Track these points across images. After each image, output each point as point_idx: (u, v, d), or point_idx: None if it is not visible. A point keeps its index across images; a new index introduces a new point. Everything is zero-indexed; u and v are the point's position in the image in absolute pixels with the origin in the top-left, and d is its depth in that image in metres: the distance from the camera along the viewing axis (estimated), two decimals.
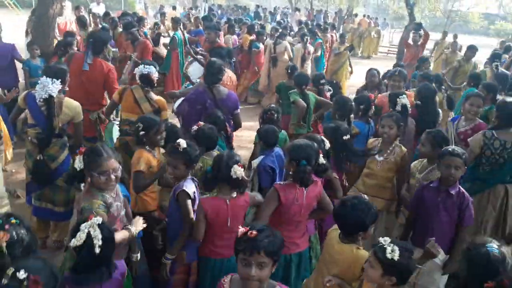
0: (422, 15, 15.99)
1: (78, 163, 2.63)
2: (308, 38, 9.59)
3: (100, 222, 2.14)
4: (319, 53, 10.22)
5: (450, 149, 3.22)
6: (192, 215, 2.87)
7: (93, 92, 4.90)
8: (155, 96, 4.40)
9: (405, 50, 11.22)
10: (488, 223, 3.89)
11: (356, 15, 23.26)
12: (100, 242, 2.07)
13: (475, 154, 3.81)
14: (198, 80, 5.91)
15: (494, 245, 2.23)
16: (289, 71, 6.46)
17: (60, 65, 4.28)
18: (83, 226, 2.10)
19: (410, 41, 10.75)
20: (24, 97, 3.89)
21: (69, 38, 6.36)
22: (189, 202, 2.87)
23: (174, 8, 19.51)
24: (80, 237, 2.06)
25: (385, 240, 2.15)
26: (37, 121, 3.80)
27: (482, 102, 4.41)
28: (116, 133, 4.72)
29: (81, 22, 8.53)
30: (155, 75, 4.36)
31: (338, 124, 3.89)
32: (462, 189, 3.22)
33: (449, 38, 14.15)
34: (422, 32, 10.57)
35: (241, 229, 1.96)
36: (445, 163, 3.15)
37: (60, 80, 3.75)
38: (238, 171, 2.76)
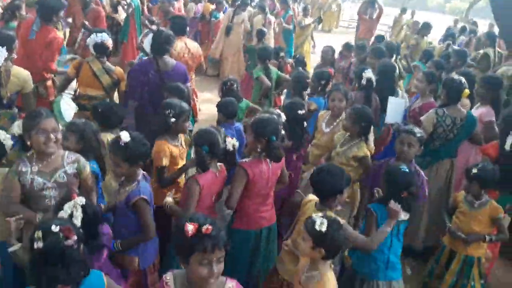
0: None
1: (17, 129, 2.54)
2: (267, 8, 9.45)
3: (83, 203, 2.15)
4: (291, 27, 9.97)
5: (406, 127, 3.32)
6: (153, 225, 2.64)
7: (37, 62, 4.49)
8: (113, 67, 4.25)
9: (360, 23, 11.40)
10: (432, 195, 3.99)
11: None
12: (79, 223, 2.09)
13: (428, 132, 3.91)
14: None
15: (405, 166, 2.81)
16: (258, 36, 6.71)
17: (6, 31, 4.02)
18: (66, 206, 2.12)
19: (365, 15, 10.87)
20: None
21: (16, 2, 5.95)
22: (148, 209, 2.61)
23: None
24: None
25: (317, 214, 2.28)
26: None
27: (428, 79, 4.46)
28: (65, 107, 4.38)
29: None
30: (109, 42, 4.19)
31: (294, 99, 3.95)
32: (417, 167, 3.33)
33: (407, 15, 14.46)
34: (376, 6, 10.75)
35: (190, 226, 1.71)
36: (399, 140, 3.28)
37: (6, 47, 3.54)
38: (234, 143, 2.90)
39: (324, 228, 2.18)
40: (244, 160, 2.98)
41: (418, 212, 3.85)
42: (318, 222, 2.20)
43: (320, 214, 2.29)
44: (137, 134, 2.67)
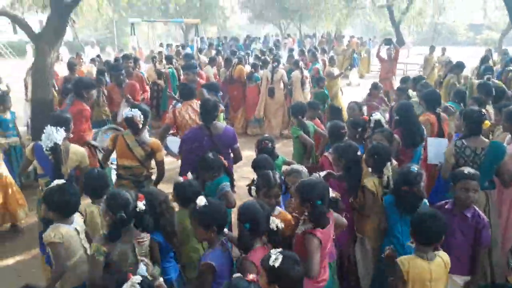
0: (410, 30, 16.33)
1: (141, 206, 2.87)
2: (303, 63, 9.76)
3: (139, 281, 2.28)
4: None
5: (465, 171, 3.23)
6: None
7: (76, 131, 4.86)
8: (148, 139, 4.41)
9: (381, 65, 11.71)
10: None
11: (343, 36, 23.78)
12: None
13: (450, 164, 3.90)
14: None
15: (415, 166, 3.33)
16: None
17: (63, 112, 4.42)
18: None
19: (384, 55, 11.22)
20: (31, 148, 4.02)
21: (68, 86, 6.52)
22: (209, 278, 2.64)
23: (161, 45, 19.95)
24: None
25: (275, 250, 2.30)
26: (46, 170, 3.92)
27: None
28: (113, 177, 4.77)
29: (70, 65, 8.69)
30: (139, 119, 4.30)
31: (348, 142, 3.98)
32: (477, 209, 3.24)
33: (438, 52, 14.48)
34: (392, 46, 11.10)
35: None
36: (461, 187, 3.18)
37: (64, 127, 3.89)
38: (278, 223, 2.81)
39: (277, 264, 2.19)
40: (310, 228, 2.84)
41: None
42: (273, 257, 2.22)
43: (278, 250, 2.30)
44: (212, 200, 2.82)
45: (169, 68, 9.27)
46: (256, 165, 3.96)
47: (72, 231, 2.99)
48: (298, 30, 24.83)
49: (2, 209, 5.27)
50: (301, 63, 9.71)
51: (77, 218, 3.10)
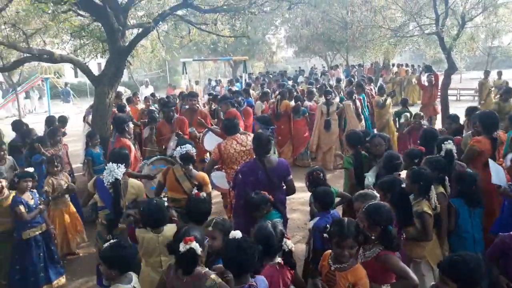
0: (461, 55, 15.86)
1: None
2: (356, 95, 9.78)
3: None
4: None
5: None
6: None
7: None
8: (195, 173, 4.66)
9: (422, 91, 12.29)
10: None
11: (393, 65, 23.48)
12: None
13: None
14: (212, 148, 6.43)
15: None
16: None
17: (123, 149, 4.68)
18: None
19: (425, 83, 11.70)
20: (93, 182, 4.27)
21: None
22: None
23: (197, 83, 20.60)
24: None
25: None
26: (106, 203, 4.13)
27: None
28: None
29: (120, 108, 9.13)
30: (193, 152, 4.64)
31: (391, 176, 3.95)
32: None
33: (493, 76, 13.95)
34: (432, 73, 11.74)
35: None
36: None
37: (124, 163, 4.13)
38: (291, 245, 2.91)
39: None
40: (377, 250, 2.92)
41: None
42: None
43: None
44: (244, 238, 2.80)
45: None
46: (318, 196, 3.97)
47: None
48: (344, 61, 24.85)
49: (63, 237, 5.62)
50: (354, 95, 9.69)
51: (134, 278, 3.09)
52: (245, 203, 4.06)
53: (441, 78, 12.19)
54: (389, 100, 10.31)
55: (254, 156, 4.57)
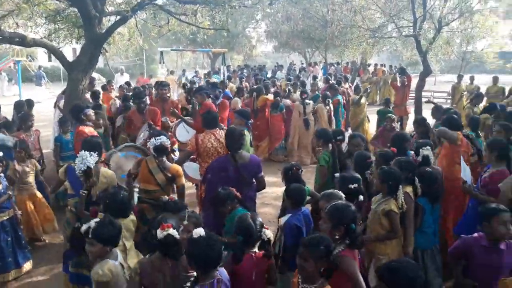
0: (437, 58, 16.20)
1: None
2: (330, 100, 9.87)
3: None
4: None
5: (497, 206, 3.24)
6: None
7: None
8: (169, 164, 4.60)
9: (394, 92, 12.86)
10: None
11: (369, 65, 23.74)
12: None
13: (508, 198, 3.85)
14: (185, 139, 6.71)
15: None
16: None
17: (96, 138, 4.62)
18: None
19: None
20: (64, 170, 4.21)
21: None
22: None
23: (172, 73, 20.43)
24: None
25: None
26: (76, 191, 4.07)
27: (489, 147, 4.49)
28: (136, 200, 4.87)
29: (93, 95, 8.97)
30: (167, 143, 4.58)
31: (346, 174, 4.13)
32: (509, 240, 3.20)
33: (466, 81, 14.29)
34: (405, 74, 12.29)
35: None
36: (500, 221, 3.14)
37: (96, 152, 4.10)
38: (270, 235, 2.99)
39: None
40: (342, 250, 2.93)
41: None
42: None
43: None
44: (209, 235, 2.78)
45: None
46: (290, 194, 3.97)
47: (118, 267, 3.06)
48: (323, 58, 24.99)
49: (27, 223, 5.51)
50: (328, 99, 9.86)
51: (119, 254, 3.19)
52: (212, 197, 4.06)
53: (416, 80, 12.45)
54: (363, 99, 10.47)
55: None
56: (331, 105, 9.84)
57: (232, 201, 3.93)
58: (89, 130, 5.97)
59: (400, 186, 3.84)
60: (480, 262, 3.24)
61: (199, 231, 2.76)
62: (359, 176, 4.13)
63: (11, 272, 4.82)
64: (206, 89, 8.46)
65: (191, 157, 5.56)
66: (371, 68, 22.73)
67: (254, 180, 4.57)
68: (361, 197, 3.79)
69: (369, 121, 10.81)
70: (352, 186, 3.83)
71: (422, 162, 4.49)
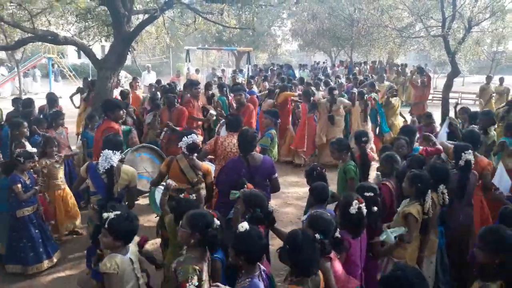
0: (466, 59, 15.84)
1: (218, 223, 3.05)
2: (366, 96, 9.75)
3: None
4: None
5: None
6: None
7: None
8: (199, 163, 4.64)
9: (413, 90, 12.73)
10: None
11: (395, 65, 23.41)
12: None
13: None
14: None
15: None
16: None
17: (117, 136, 4.69)
18: None
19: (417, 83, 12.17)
20: (86, 167, 4.31)
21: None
22: None
23: (197, 71, 20.54)
24: None
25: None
26: (98, 189, 4.18)
27: None
28: (159, 198, 4.79)
29: (122, 94, 9.13)
30: (199, 141, 4.64)
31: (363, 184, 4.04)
32: None
33: (495, 80, 13.93)
34: (424, 74, 12.29)
35: None
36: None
37: (119, 150, 4.19)
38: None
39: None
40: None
41: None
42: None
43: None
44: (254, 229, 2.84)
45: (220, 96, 9.45)
46: (313, 191, 4.00)
47: (126, 261, 3.06)
48: (349, 58, 24.78)
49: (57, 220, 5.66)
50: (365, 95, 9.71)
51: (132, 248, 3.19)
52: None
53: (443, 80, 12.24)
54: (395, 100, 10.21)
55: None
56: (368, 101, 9.65)
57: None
58: (118, 127, 5.99)
59: (429, 191, 3.77)
60: None
61: (245, 225, 2.83)
62: (375, 186, 4.04)
63: (43, 263, 5.00)
64: (243, 88, 8.41)
65: (210, 157, 5.46)
66: (406, 70, 22.35)
67: (267, 182, 4.53)
68: (374, 208, 3.63)
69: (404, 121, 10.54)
70: (367, 195, 3.75)
71: (464, 166, 4.36)
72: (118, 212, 3.09)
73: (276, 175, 4.59)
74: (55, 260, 5.13)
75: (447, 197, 3.97)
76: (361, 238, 3.49)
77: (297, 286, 2.67)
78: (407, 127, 5.98)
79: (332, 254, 3.06)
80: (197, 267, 2.79)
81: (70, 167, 6.50)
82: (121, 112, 5.69)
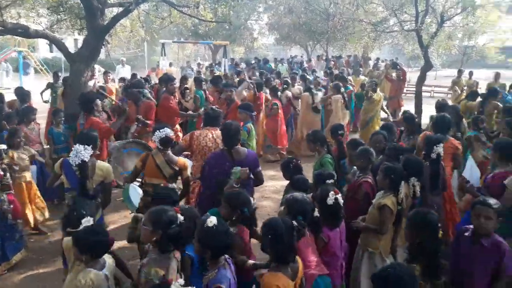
0: (438, 53, 16.20)
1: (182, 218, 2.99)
2: (344, 89, 9.92)
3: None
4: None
5: (481, 198, 3.28)
6: None
7: None
8: (175, 158, 4.60)
9: (389, 84, 13.09)
10: None
11: (369, 58, 23.68)
12: None
13: None
14: None
15: None
16: None
17: (91, 131, 4.59)
18: None
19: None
20: (60, 163, 4.23)
21: None
22: None
23: (170, 64, 20.31)
24: None
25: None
26: (73, 185, 4.11)
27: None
28: (133, 194, 4.88)
29: (101, 88, 8.95)
30: (171, 134, 4.58)
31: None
32: (498, 238, 3.17)
33: (466, 74, 14.27)
34: (398, 68, 12.99)
35: None
36: (474, 213, 3.19)
37: (91, 145, 4.09)
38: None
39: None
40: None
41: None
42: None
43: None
44: (221, 223, 2.87)
45: (197, 90, 9.39)
46: (295, 186, 4.05)
47: (101, 277, 2.94)
48: (324, 52, 24.94)
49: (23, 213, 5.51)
50: (342, 88, 9.91)
51: (108, 262, 3.09)
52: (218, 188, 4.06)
53: (416, 74, 12.48)
54: (377, 95, 10.10)
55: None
56: (345, 94, 9.85)
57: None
58: (100, 120, 5.88)
59: (402, 183, 3.86)
60: (462, 252, 3.28)
61: (213, 220, 2.83)
62: (334, 172, 4.23)
63: (1, 265, 4.85)
64: (233, 84, 8.35)
65: (185, 153, 5.36)
66: (381, 64, 22.63)
67: (252, 176, 4.52)
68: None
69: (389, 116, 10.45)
70: (329, 182, 3.93)
71: (436, 160, 4.50)
72: (85, 226, 3.07)
73: (260, 168, 4.57)
74: (13, 262, 4.97)
75: (419, 189, 4.08)
76: (340, 229, 3.56)
77: (276, 273, 2.72)
78: (388, 125, 5.93)
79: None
80: (159, 270, 2.76)
81: (41, 164, 6.35)
82: (99, 103, 5.65)
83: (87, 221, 3.20)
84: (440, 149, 4.50)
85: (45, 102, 10.29)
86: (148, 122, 6.81)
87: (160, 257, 2.87)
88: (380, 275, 2.41)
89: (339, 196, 3.48)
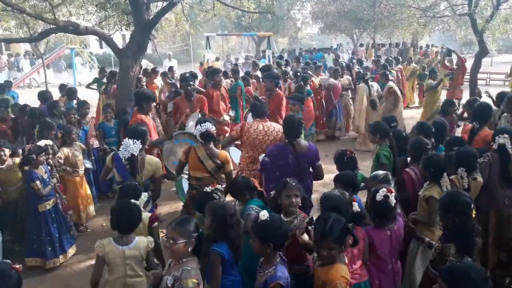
0: (494, 38, 15.31)
1: None
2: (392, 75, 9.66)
3: None
4: None
5: None
6: None
7: None
8: (217, 151, 4.57)
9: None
10: None
11: (421, 47, 22.79)
12: None
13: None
14: None
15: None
16: None
17: (141, 126, 4.66)
18: None
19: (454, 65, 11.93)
20: (111, 157, 4.32)
21: None
22: None
23: (217, 59, 20.32)
24: None
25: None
26: (124, 179, 4.18)
27: None
28: (186, 186, 4.97)
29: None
30: (213, 129, 4.53)
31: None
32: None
33: None
34: (455, 56, 12.10)
35: None
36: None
37: (140, 140, 4.16)
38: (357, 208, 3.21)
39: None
40: None
41: None
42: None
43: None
44: (275, 217, 2.88)
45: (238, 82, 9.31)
46: (340, 179, 3.83)
47: (117, 252, 3.10)
48: (371, 39, 24.24)
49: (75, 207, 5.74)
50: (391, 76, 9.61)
51: (141, 243, 3.20)
52: (231, 187, 4.03)
53: (470, 61, 11.83)
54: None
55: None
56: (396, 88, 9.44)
57: (250, 192, 3.83)
58: (148, 119, 5.96)
59: (445, 174, 3.70)
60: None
61: (265, 213, 2.81)
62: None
63: (59, 257, 5.02)
64: (277, 76, 8.19)
65: (236, 143, 5.37)
66: (429, 50, 21.77)
67: (311, 169, 4.41)
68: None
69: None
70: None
71: (498, 150, 4.19)
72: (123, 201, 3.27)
73: (320, 162, 4.46)
74: (69, 255, 5.14)
75: (466, 181, 3.90)
76: (391, 232, 3.30)
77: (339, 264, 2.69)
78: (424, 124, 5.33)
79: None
80: (196, 280, 2.68)
81: (95, 158, 6.54)
82: (153, 104, 5.73)
83: (144, 196, 3.56)
84: (501, 140, 4.18)
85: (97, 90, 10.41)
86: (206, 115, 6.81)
87: (191, 265, 2.75)
88: (450, 269, 2.34)
89: (391, 195, 3.24)
